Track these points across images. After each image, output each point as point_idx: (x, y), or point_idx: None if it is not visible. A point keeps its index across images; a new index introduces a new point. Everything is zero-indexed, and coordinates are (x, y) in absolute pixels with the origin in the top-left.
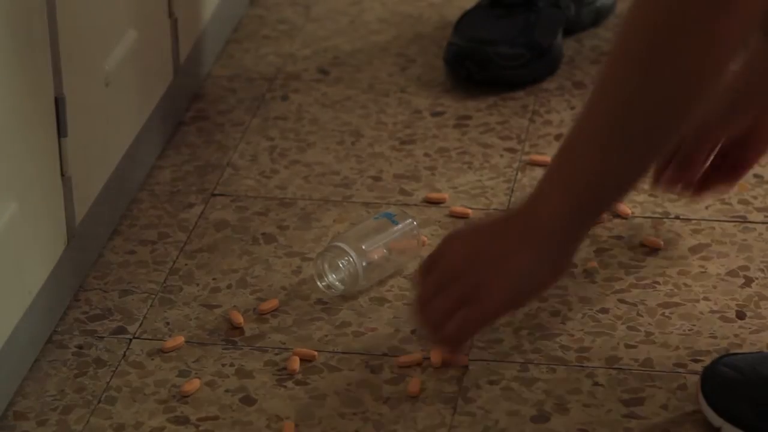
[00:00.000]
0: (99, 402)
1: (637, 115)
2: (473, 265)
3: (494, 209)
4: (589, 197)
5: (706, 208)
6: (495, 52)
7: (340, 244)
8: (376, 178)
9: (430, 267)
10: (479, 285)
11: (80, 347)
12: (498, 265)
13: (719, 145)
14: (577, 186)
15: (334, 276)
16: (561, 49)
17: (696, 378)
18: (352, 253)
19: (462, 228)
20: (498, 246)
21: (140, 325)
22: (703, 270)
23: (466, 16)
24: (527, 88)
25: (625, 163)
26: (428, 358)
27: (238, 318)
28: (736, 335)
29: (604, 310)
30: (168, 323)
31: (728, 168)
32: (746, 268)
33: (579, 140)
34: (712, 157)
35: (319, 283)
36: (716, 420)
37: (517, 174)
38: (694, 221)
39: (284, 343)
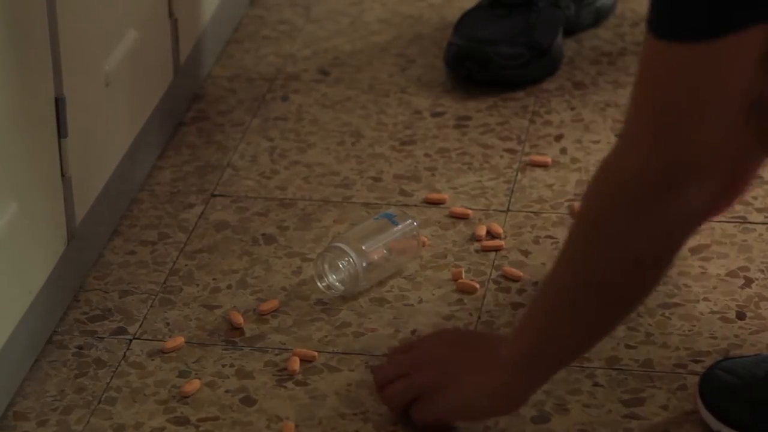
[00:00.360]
0: (99, 402)
1: (594, 286)
2: (440, 366)
3: (494, 210)
4: (536, 362)
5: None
6: (495, 52)
7: (340, 245)
8: (376, 179)
9: (404, 349)
10: (437, 387)
11: (80, 348)
12: (458, 378)
13: None
14: (528, 349)
15: (334, 276)
16: (561, 50)
17: (696, 378)
18: (352, 254)
19: (448, 331)
20: (466, 362)
21: (140, 326)
22: (703, 270)
23: (466, 17)
24: (527, 88)
25: (565, 348)
26: None
27: (238, 318)
28: (736, 336)
29: None
30: (168, 324)
31: None
32: (746, 268)
33: (536, 312)
34: None
35: (319, 284)
36: (714, 423)
37: (517, 175)
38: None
39: (284, 344)
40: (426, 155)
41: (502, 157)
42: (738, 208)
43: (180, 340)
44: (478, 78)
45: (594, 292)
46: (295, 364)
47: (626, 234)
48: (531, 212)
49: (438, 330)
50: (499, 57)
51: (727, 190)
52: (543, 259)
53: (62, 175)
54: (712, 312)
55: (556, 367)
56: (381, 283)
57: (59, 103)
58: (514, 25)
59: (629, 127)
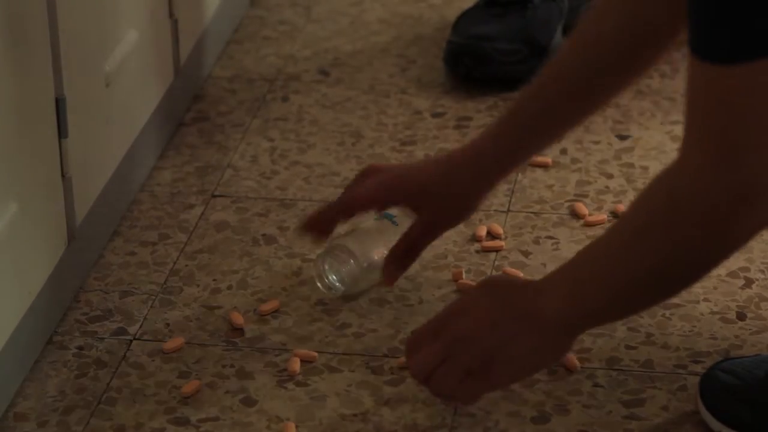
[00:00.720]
0: (99, 403)
1: (653, 282)
2: (483, 341)
3: (494, 210)
4: (592, 314)
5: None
6: (493, 48)
7: (341, 245)
8: None
9: (433, 331)
10: (487, 360)
11: (81, 348)
12: (505, 345)
13: None
14: (584, 301)
15: (334, 277)
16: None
17: (696, 379)
18: (353, 254)
19: (471, 298)
20: (506, 326)
21: (141, 326)
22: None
23: (464, 16)
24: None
25: (628, 308)
26: None
27: (239, 319)
28: (736, 336)
29: None
30: (168, 324)
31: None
32: (747, 269)
33: (597, 266)
34: None
35: (319, 284)
36: (715, 424)
37: (517, 175)
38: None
39: (285, 344)
40: (426, 156)
41: None
42: None
43: (180, 340)
44: (477, 75)
45: (654, 284)
46: (296, 365)
47: (681, 246)
48: (531, 213)
49: (460, 301)
50: (497, 53)
51: None
52: (543, 260)
53: (62, 176)
54: (713, 312)
55: (609, 321)
56: (381, 283)
57: (59, 104)
58: (511, 22)
59: (689, 151)
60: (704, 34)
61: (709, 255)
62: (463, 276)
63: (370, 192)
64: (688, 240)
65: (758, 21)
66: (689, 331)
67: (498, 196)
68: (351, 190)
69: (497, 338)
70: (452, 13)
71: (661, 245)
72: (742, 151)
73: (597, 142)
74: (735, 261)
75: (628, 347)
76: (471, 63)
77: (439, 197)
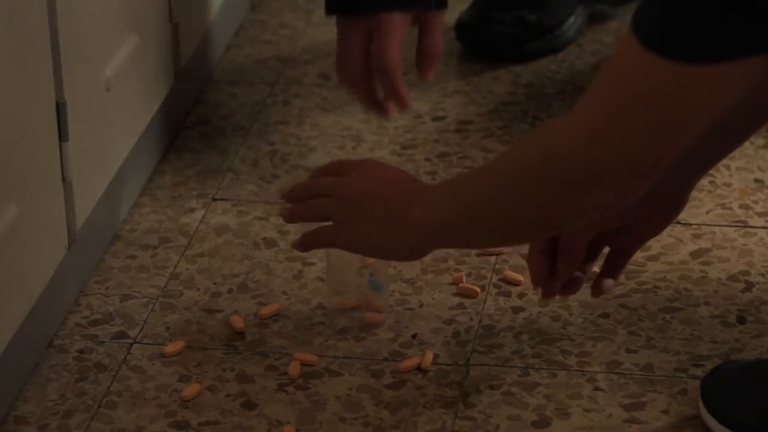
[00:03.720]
0: (100, 407)
1: (499, 221)
2: (359, 204)
3: None
4: (447, 235)
5: (707, 212)
6: (491, 33)
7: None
8: None
9: (334, 171)
10: (348, 220)
11: (81, 352)
12: (369, 221)
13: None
14: (441, 222)
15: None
16: (571, 31)
17: (697, 383)
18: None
19: (377, 166)
20: (380, 209)
21: (141, 330)
22: (703, 275)
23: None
24: (527, 88)
25: (472, 239)
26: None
27: (239, 322)
28: (736, 340)
29: (605, 315)
30: (169, 328)
31: (608, 264)
32: (747, 272)
33: (461, 192)
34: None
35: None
36: (717, 427)
37: None
38: (694, 226)
39: (285, 348)
40: (426, 159)
41: None
42: (739, 213)
43: (180, 344)
44: (482, 37)
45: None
46: (296, 369)
47: (536, 196)
48: None
49: (368, 161)
50: (495, 37)
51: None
52: None
53: (63, 179)
54: (713, 316)
55: (461, 246)
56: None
57: (60, 108)
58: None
59: (583, 111)
60: (663, 27)
61: (550, 219)
62: (464, 280)
63: None
64: (537, 197)
65: (725, 27)
66: (690, 335)
67: None
68: None
69: (368, 211)
70: (452, 17)
71: (514, 193)
72: (638, 140)
73: None
74: (735, 265)
75: (628, 351)
76: (478, 24)
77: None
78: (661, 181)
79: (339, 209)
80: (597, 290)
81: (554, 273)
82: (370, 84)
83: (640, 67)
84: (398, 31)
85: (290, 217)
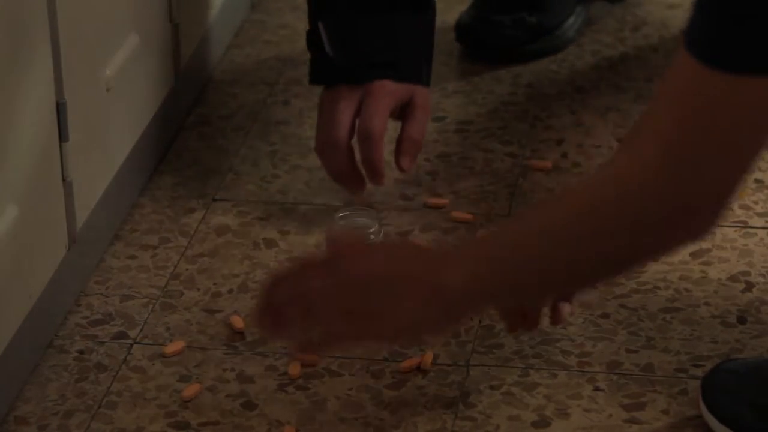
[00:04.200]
0: (100, 407)
1: (565, 266)
2: (375, 290)
3: (495, 214)
4: (490, 295)
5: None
6: (492, 33)
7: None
8: None
9: (327, 263)
10: (372, 312)
11: (81, 352)
12: (396, 304)
13: None
14: (486, 281)
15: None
16: (571, 31)
17: (697, 383)
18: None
19: (369, 248)
20: (401, 285)
21: (141, 330)
22: (704, 275)
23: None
24: (527, 88)
25: (533, 291)
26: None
27: (239, 323)
28: (737, 340)
29: (605, 315)
30: (169, 328)
31: None
32: (747, 273)
33: (506, 243)
34: None
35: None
36: (717, 426)
37: (518, 179)
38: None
39: (285, 348)
40: (427, 159)
41: (503, 161)
42: (739, 213)
43: (181, 344)
44: (482, 38)
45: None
46: (296, 369)
47: (611, 245)
48: None
49: (355, 243)
50: (496, 37)
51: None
52: None
53: (63, 180)
54: (713, 316)
55: (507, 302)
56: None
57: (60, 108)
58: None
59: (645, 146)
60: (713, 37)
61: (634, 258)
62: None
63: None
64: (621, 238)
65: None
66: (690, 335)
67: (499, 200)
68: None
69: (390, 293)
70: (453, 17)
71: (591, 239)
72: (705, 163)
73: (598, 146)
74: (736, 265)
75: (628, 351)
76: (478, 26)
77: None
78: None
79: (349, 301)
80: (557, 319)
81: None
82: (353, 154)
83: (707, 86)
84: (388, 100)
85: (300, 347)
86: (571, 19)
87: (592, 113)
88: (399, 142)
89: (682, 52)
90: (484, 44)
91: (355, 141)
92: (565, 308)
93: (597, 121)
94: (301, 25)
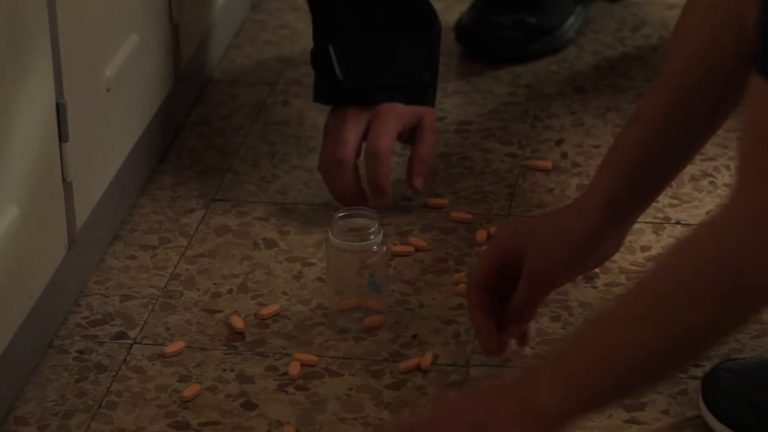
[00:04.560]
0: (100, 407)
1: (672, 357)
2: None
3: (495, 214)
4: (593, 403)
5: (707, 213)
6: (491, 35)
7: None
8: None
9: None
10: None
11: (81, 352)
12: None
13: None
14: (583, 392)
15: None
16: (571, 31)
17: (697, 383)
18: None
19: (454, 400)
20: (495, 427)
21: (141, 330)
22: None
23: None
24: (527, 88)
25: (637, 385)
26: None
27: (239, 323)
28: (736, 340)
29: None
30: (169, 328)
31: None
32: None
33: (594, 348)
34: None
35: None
36: (717, 425)
37: (518, 179)
38: (695, 226)
39: (285, 348)
40: None
41: (503, 161)
42: None
43: (181, 344)
44: (482, 39)
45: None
46: (296, 369)
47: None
48: (532, 217)
49: (443, 404)
50: (495, 40)
51: None
52: None
53: (63, 180)
54: None
55: (610, 407)
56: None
57: (60, 108)
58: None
59: (745, 187)
60: None
61: (744, 315)
62: (464, 280)
63: (484, 259)
64: (737, 295)
65: None
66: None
67: (498, 200)
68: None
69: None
70: (453, 17)
71: (702, 307)
72: None
73: (597, 146)
74: None
75: None
76: (479, 28)
77: (548, 237)
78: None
79: None
80: (523, 339)
81: (501, 328)
82: (358, 173)
83: None
84: (396, 122)
85: None
86: (571, 19)
87: (591, 113)
88: (410, 162)
89: (756, 79)
90: (484, 45)
91: (360, 160)
92: (533, 327)
93: (597, 121)
94: (302, 25)
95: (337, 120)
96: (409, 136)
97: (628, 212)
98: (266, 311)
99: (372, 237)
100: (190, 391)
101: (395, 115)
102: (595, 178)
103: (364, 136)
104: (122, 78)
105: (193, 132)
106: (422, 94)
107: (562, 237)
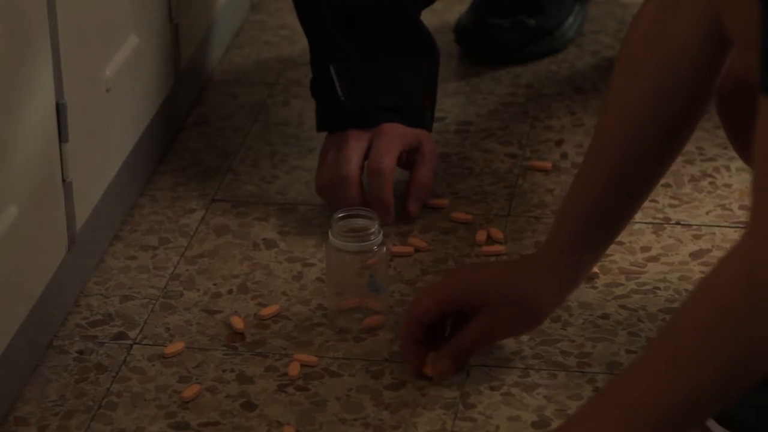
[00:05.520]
0: (100, 407)
1: (720, 389)
2: None
3: (495, 214)
4: None
5: (707, 213)
6: (491, 37)
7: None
8: None
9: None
10: None
11: (81, 353)
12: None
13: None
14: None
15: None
16: (571, 31)
17: None
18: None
19: None
20: None
21: (141, 331)
22: (704, 275)
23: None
24: (527, 89)
25: (683, 424)
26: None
27: (239, 323)
28: None
29: (605, 316)
30: (169, 329)
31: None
32: None
33: (644, 384)
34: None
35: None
36: (716, 427)
37: (517, 179)
38: (694, 227)
39: (285, 349)
40: None
41: (502, 161)
42: (739, 214)
43: (180, 345)
44: (481, 41)
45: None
46: (296, 369)
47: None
48: (532, 217)
49: None
50: (495, 42)
51: None
52: None
53: (63, 180)
54: None
55: None
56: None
57: (60, 109)
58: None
59: (762, 217)
60: None
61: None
62: None
63: (433, 299)
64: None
65: None
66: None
67: (498, 200)
68: (415, 303)
69: None
70: (452, 17)
71: (735, 341)
72: None
73: None
74: None
75: (628, 351)
76: (476, 32)
77: (506, 296)
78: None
79: None
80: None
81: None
82: (363, 191)
83: None
84: (398, 142)
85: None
86: (571, 19)
87: (591, 114)
88: (409, 186)
89: (763, 103)
90: (484, 48)
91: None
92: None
93: (596, 122)
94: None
95: (337, 140)
96: (407, 159)
97: (587, 270)
98: (266, 312)
99: (372, 237)
100: (190, 391)
101: (397, 135)
102: (554, 237)
103: (366, 155)
104: (122, 78)
105: (193, 132)
106: (422, 117)
107: (526, 304)
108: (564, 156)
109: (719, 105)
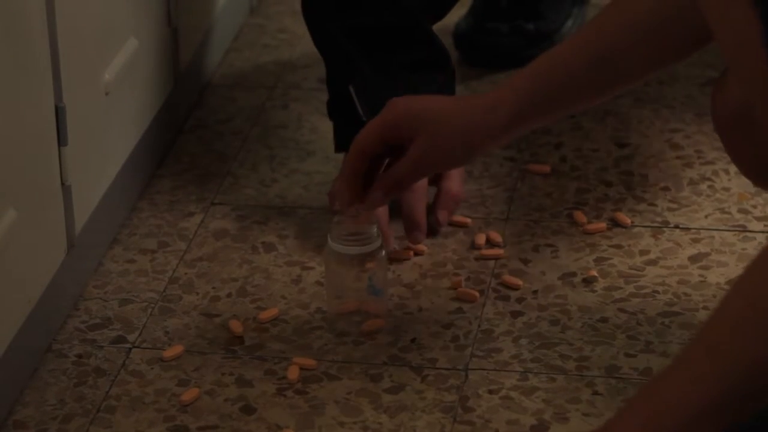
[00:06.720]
0: (98, 411)
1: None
2: None
3: (494, 218)
4: None
5: (706, 217)
6: (490, 42)
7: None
8: None
9: None
10: None
11: (80, 356)
12: None
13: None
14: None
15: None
16: (572, 32)
17: None
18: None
19: None
20: None
21: (140, 334)
22: (702, 279)
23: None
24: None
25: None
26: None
27: (238, 327)
28: None
29: (604, 319)
30: (168, 332)
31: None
32: None
33: (675, 387)
34: None
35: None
36: None
37: (516, 183)
38: (693, 230)
39: (284, 352)
40: None
41: (501, 165)
42: (738, 217)
43: (179, 348)
44: (481, 46)
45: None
46: (295, 373)
47: None
48: (531, 220)
49: None
50: (493, 47)
51: None
52: (542, 268)
53: (62, 184)
54: None
55: None
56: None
57: (59, 112)
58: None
59: None
60: None
61: None
62: (463, 284)
63: (375, 124)
64: None
65: None
66: (688, 339)
67: (497, 204)
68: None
69: None
70: (451, 21)
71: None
72: None
73: (596, 150)
74: (734, 269)
75: (627, 355)
76: (475, 35)
77: (443, 125)
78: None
79: None
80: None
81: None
82: (387, 208)
83: None
84: None
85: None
86: (569, 23)
87: (590, 117)
88: (438, 196)
89: None
90: (483, 52)
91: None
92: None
93: (595, 124)
94: (301, 29)
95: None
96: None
97: (531, 124)
98: (265, 315)
99: (371, 241)
100: (189, 395)
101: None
102: (513, 79)
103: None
104: (121, 82)
105: (192, 136)
106: None
107: (461, 136)
108: (563, 159)
109: (719, 128)
